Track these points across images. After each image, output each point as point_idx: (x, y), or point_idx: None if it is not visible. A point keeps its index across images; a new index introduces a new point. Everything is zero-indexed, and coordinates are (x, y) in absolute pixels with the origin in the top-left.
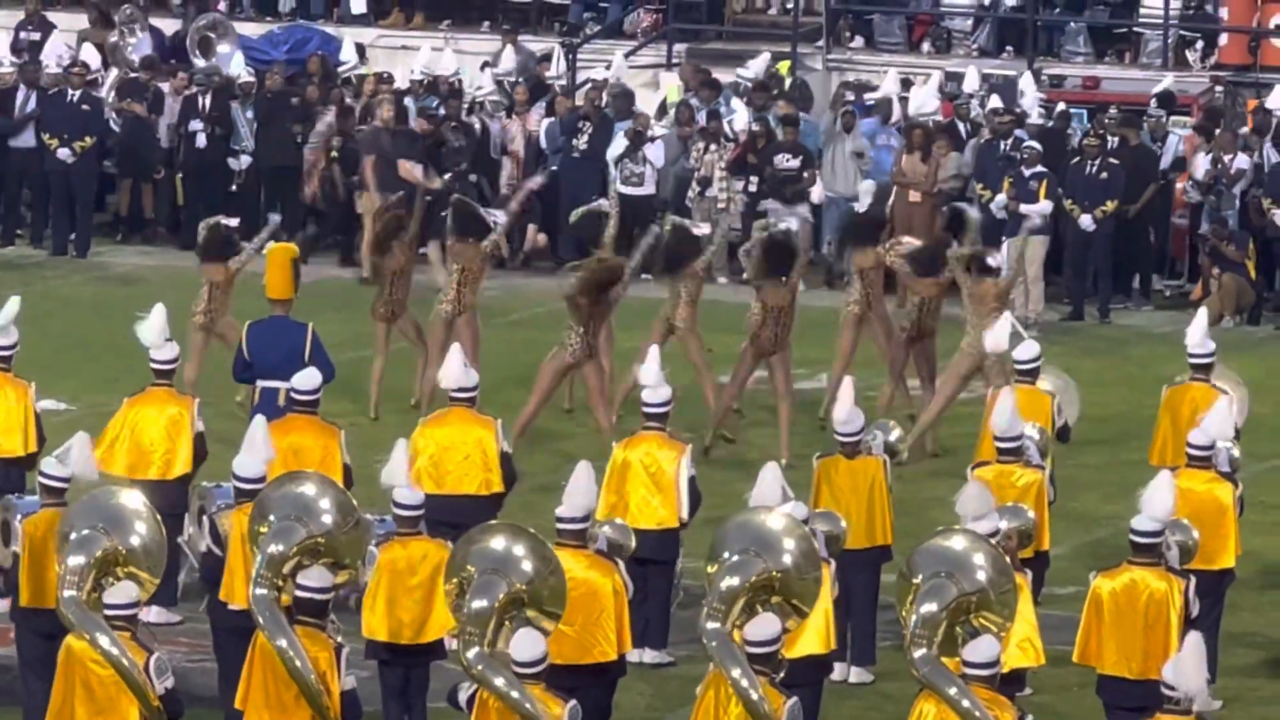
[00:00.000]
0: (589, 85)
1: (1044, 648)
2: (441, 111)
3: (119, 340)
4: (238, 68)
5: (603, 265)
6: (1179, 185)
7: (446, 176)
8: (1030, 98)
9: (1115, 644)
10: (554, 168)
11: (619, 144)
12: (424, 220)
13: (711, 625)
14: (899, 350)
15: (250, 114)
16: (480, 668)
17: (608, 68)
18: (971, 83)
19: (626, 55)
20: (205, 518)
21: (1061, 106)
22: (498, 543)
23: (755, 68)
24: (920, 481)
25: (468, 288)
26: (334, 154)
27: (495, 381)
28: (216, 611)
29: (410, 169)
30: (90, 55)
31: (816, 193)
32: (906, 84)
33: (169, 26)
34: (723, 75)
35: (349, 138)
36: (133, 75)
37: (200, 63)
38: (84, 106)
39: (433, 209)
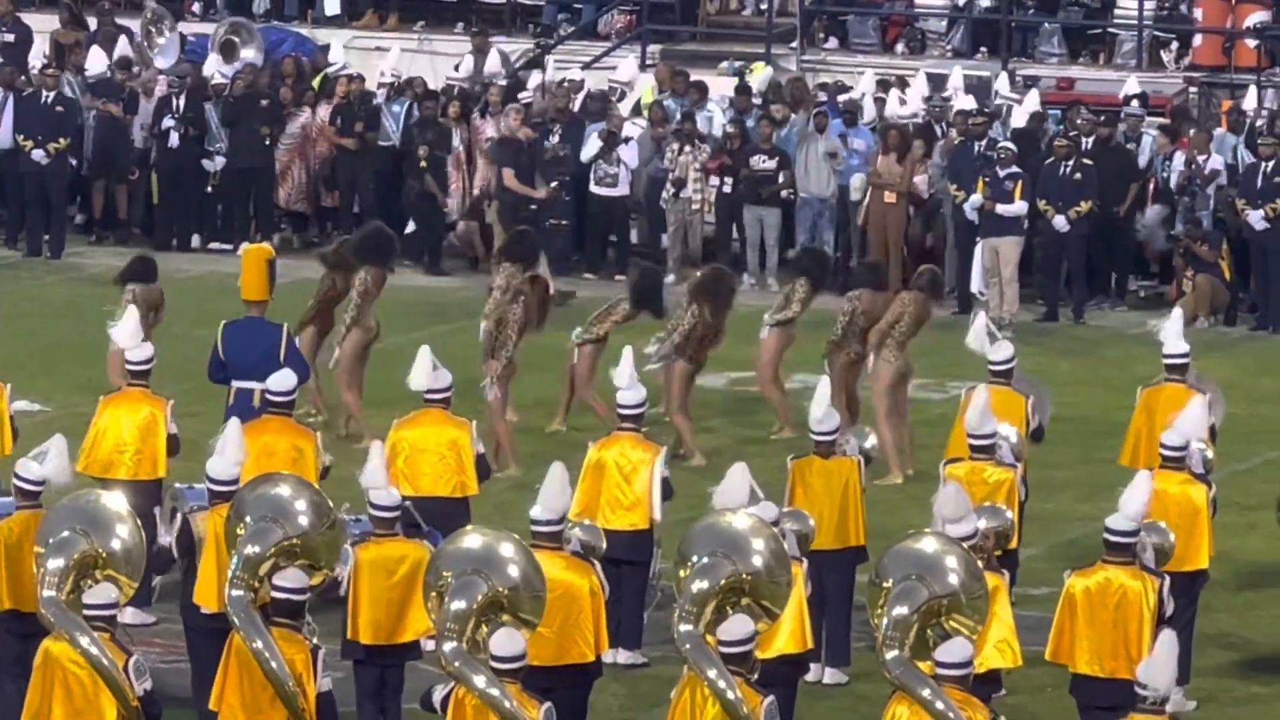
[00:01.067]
0: (561, 84)
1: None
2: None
3: (93, 341)
4: (212, 68)
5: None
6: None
7: (553, 185)
8: (1030, 100)
9: (1088, 643)
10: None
11: (593, 145)
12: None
13: (684, 628)
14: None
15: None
16: (458, 664)
17: (584, 68)
18: (956, 84)
19: (600, 56)
20: (179, 516)
21: (1035, 105)
22: (480, 543)
23: (759, 82)
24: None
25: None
26: (423, 162)
27: (467, 380)
28: (190, 613)
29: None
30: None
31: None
32: (884, 85)
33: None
34: (697, 76)
35: (434, 145)
36: (115, 76)
37: (224, 68)
38: (58, 108)
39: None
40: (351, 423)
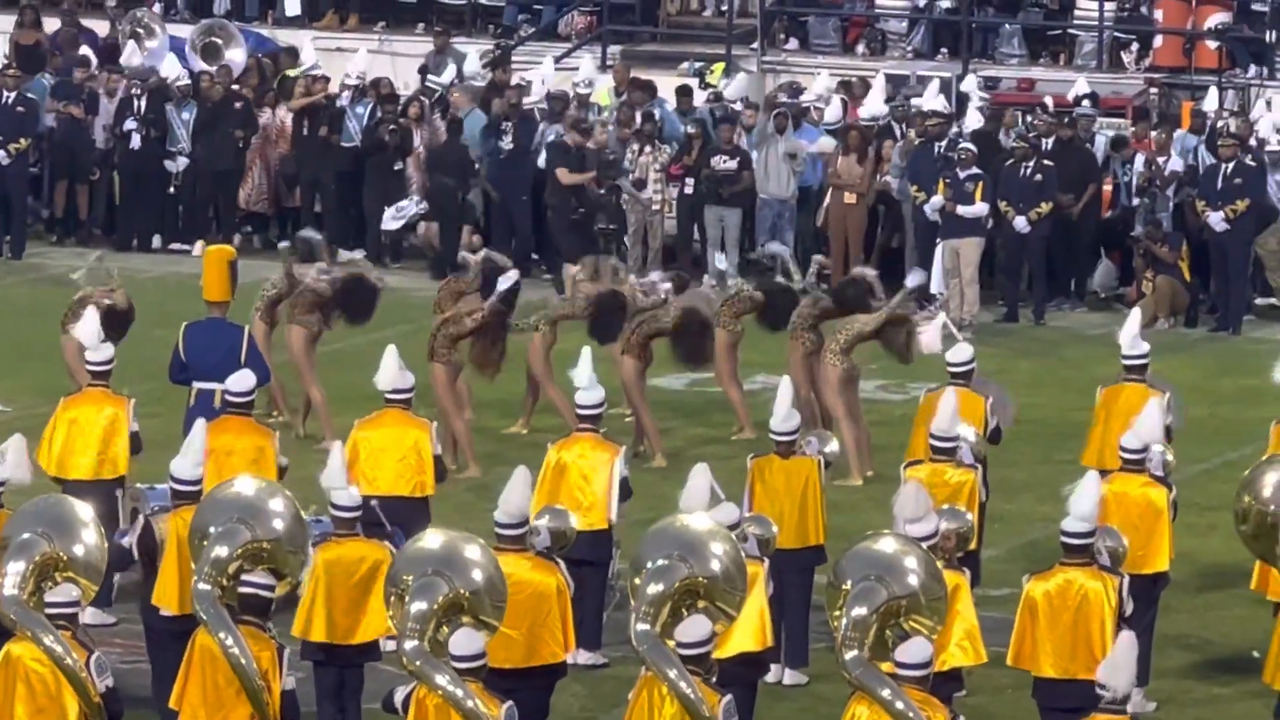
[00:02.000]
0: (514, 86)
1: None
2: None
3: (54, 342)
4: (172, 69)
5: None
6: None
7: (601, 191)
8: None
9: (1050, 646)
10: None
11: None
12: None
13: (642, 628)
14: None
15: (186, 115)
16: (419, 663)
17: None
18: (930, 92)
19: (560, 58)
20: (141, 518)
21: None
22: (441, 544)
23: (734, 89)
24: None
25: None
26: (477, 167)
27: (426, 383)
28: (150, 614)
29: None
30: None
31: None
32: (846, 86)
33: (101, 28)
34: (659, 77)
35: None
36: (76, 78)
37: (205, 67)
38: (19, 109)
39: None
40: (309, 422)
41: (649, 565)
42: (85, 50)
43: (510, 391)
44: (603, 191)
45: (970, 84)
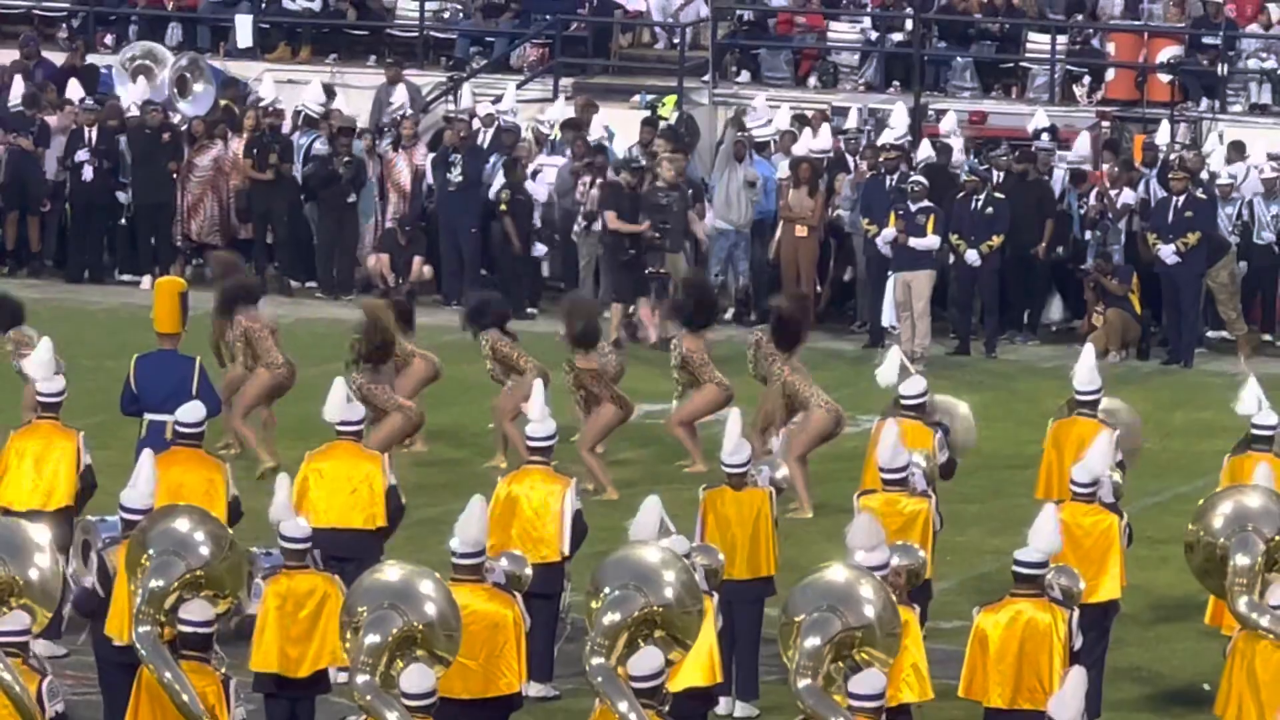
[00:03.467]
0: (464, 117)
1: (930, 682)
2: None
3: (4, 374)
4: (128, 99)
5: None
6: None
7: (646, 224)
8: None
9: (999, 677)
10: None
11: (499, 179)
12: None
13: (596, 660)
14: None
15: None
16: (370, 697)
17: (495, 101)
18: (899, 117)
19: (518, 87)
20: (94, 553)
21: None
22: (398, 577)
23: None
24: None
25: None
26: (504, 205)
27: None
28: (101, 645)
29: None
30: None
31: (704, 226)
32: (802, 120)
33: (56, 58)
34: (608, 110)
35: (519, 190)
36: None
37: (183, 105)
38: None
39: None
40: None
41: (605, 594)
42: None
43: (459, 423)
44: (656, 235)
45: (949, 122)
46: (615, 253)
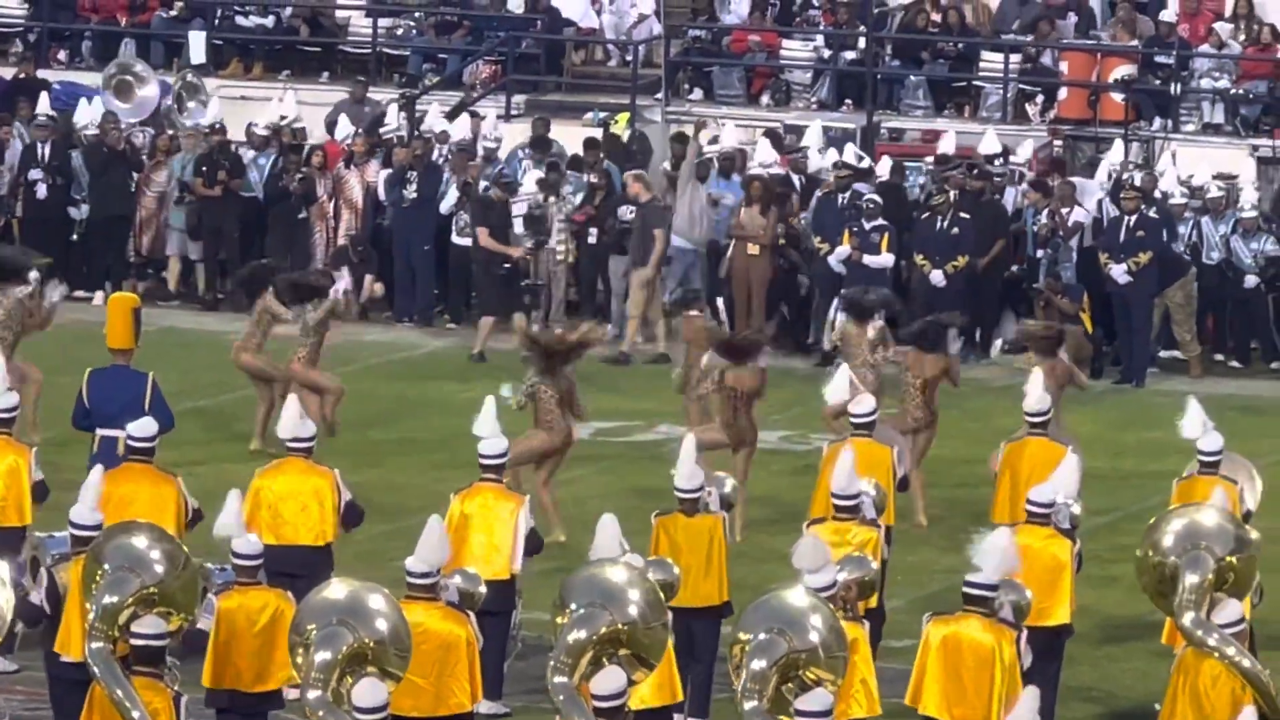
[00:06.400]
0: (420, 136)
1: (880, 700)
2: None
3: None
4: (84, 117)
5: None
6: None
7: (528, 246)
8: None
9: (939, 688)
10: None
11: (452, 196)
12: None
13: (558, 679)
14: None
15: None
16: (322, 713)
17: (450, 116)
18: (813, 138)
19: (469, 105)
20: (43, 570)
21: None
22: (346, 594)
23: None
24: (758, 534)
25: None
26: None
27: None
28: (52, 662)
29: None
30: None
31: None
32: (776, 137)
33: (4, 72)
34: (561, 127)
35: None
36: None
37: (185, 121)
38: None
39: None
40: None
41: (570, 612)
42: None
43: (407, 438)
44: (529, 246)
45: (947, 143)
46: (489, 267)
